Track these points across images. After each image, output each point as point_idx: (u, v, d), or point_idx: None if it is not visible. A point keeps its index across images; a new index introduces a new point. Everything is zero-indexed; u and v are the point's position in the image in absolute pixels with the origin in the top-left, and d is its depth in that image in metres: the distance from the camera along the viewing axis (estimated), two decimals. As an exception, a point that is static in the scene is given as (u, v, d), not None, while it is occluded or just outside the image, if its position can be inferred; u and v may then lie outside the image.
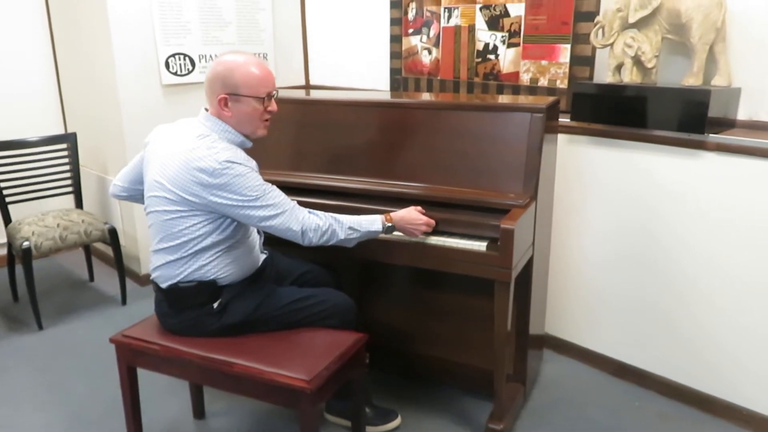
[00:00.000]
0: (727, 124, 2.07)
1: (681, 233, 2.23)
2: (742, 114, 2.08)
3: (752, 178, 2.01)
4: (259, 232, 2.02)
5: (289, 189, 2.23)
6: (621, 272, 2.44)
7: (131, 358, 1.90)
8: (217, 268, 1.83)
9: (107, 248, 3.43)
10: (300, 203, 2.17)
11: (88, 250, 3.51)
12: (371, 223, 1.89)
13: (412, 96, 2.70)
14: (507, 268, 1.84)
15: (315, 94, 2.75)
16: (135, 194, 2.02)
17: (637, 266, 2.38)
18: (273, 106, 1.84)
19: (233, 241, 1.85)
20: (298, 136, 2.39)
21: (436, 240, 1.96)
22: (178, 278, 1.82)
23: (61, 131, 3.77)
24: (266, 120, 1.85)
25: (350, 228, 1.85)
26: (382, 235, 1.95)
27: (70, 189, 3.37)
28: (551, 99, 2.13)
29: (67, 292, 3.41)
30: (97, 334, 2.90)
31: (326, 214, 1.85)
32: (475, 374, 2.31)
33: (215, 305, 1.84)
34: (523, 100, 2.32)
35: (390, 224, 1.92)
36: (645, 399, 2.38)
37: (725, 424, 2.21)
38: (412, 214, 1.96)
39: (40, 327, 2.96)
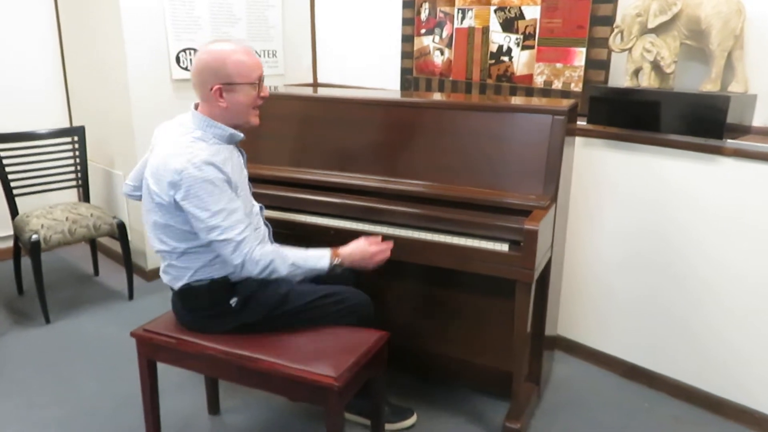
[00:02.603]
0: (742, 130, 2.10)
1: (695, 237, 2.25)
2: (758, 120, 2.10)
3: (769, 184, 2.04)
4: (266, 224, 1.99)
5: (305, 186, 2.25)
6: (634, 274, 2.46)
7: (152, 352, 1.90)
8: (223, 265, 1.80)
9: (112, 243, 3.42)
10: (309, 200, 2.19)
11: (94, 244, 3.48)
12: (318, 259, 1.80)
13: (432, 96, 2.70)
14: (530, 269, 1.86)
15: (323, 92, 2.75)
16: None
17: (650, 269, 2.40)
18: (265, 91, 1.83)
19: None
20: (315, 133, 2.38)
21: (457, 240, 1.97)
22: (187, 279, 1.81)
23: (66, 124, 3.75)
24: (257, 107, 1.83)
25: (293, 264, 1.77)
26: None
27: (76, 182, 3.34)
28: (571, 101, 2.14)
29: (72, 286, 3.39)
30: (105, 328, 2.89)
31: (272, 249, 1.77)
32: (489, 374, 2.33)
33: (233, 303, 1.82)
34: (544, 102, 2.33)
35: (337, 261, 1.82)
36: (655, 401, 2.40)
37: (737, 426, 2.23)
38: (361, 247, 1.86)
39: (48, 321, 2.94)
